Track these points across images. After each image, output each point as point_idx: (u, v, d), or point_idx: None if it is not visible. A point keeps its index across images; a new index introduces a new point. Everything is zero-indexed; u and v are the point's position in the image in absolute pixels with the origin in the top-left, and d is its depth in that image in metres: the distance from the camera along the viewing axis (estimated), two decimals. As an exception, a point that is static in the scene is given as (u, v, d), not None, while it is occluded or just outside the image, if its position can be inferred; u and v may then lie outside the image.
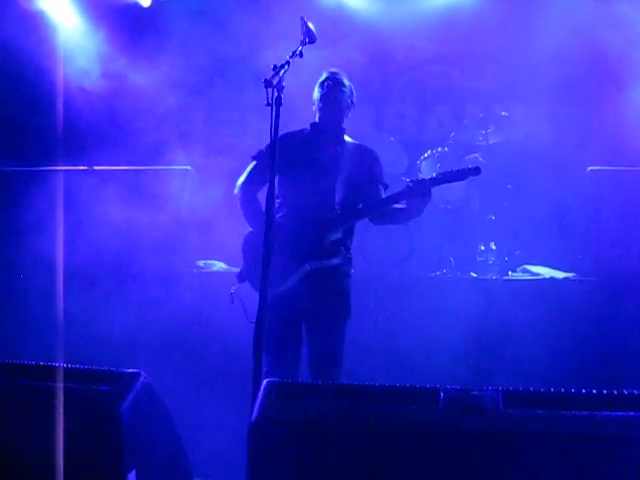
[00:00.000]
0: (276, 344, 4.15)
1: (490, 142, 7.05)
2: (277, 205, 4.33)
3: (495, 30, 7.92)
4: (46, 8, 7.81)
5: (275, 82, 3.55)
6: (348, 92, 4.59)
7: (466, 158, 6.97)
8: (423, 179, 4.36)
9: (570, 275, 6.10)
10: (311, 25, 3.98)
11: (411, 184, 4.29)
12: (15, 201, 6.30)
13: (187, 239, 6.31)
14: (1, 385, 2.97)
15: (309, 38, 3.93)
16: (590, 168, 6.09)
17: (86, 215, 6.16)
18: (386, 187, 4.64)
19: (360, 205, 4.51)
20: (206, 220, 6.08)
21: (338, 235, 4.38)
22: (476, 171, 4.35)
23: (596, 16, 7.31)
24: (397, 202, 4.40)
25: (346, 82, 4.59)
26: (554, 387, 2.54)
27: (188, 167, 6.45)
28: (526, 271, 6.62)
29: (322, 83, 4.54)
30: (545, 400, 2.45)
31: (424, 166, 6.95)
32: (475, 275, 6.34)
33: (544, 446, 2.33)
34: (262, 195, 4.19)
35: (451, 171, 4.40)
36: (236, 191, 4.62)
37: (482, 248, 6.57)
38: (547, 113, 8.29)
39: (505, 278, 6.34)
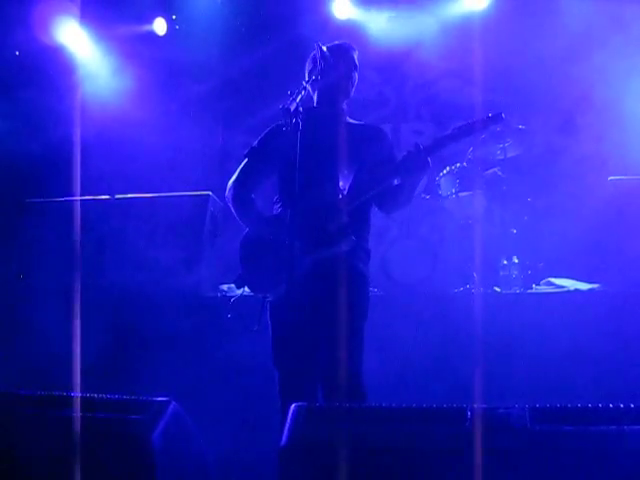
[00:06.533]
0: (287, 357, 3.90)
1: (508, 155, 7.02)
2: (275, 202, 4.18)
3: (508, 42, 7.95)
4: (65, 41, 7.93)
5: (292, 108, 3.57)
6: (347, 67, 4.14)
7: (485, 173, 6.97)
8: (418, 149, 3.86)
9: (595, 286, 6.06)
10: (325, 49, 4.00)
11: (406, 155, 3.86)
12: (37, 231, 6.37)
13: (210, 264, 6.34)
14: (30, 416, 2.99)
15: (324, 63, 3.94)
16: (611, 178, 6.07)
17: (109, 243, 6.22)
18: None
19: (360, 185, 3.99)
20: (229, 244, 6.10)
21: (343, 219, 3.86)
22: (498, 118, 3.86)
23: (607, 23, 7.34)
24: (395, 177, 3.94)
25: (345, 55, 4.15)
26: (581, 402, 2.53)
27: (209, 192, 6.48)
28: (550, 284, 6.59)
29: (315, 61, 4.02)
30: (573, 416, 2.44)
31: (443, 183, 6.96)
32: (499, 290, 6.32)
33: (573, 462, 2.33)
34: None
35: (459, 127, 3.87)
36: (227, 192, 4.25)
37: (505, 262, 6.54)
38: (564, 124, 8.29)
39: (529, 291, 6.32)
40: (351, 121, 4.29)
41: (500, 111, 3.89)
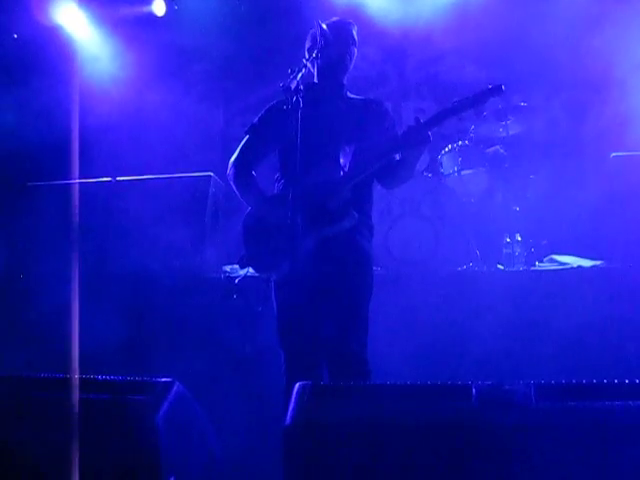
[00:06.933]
0: (292, 336, 3.92)
1: (510, 133, 7.00)
2: (276, 180, 4.20)
3: (510, 19, 7.90)
4: (62, 22, 7.88)
5: (293, 86, 3.55)
6: (346, 43, 4.15)
7: (487, 151, 6.95)
8: (418, 123, 3.82)
9: (598, 263, 6.06)
10: (325, 26, 3.98)
11: (407, 129, 3.83)
12: (37, 215, 6.35)
13: (213, 245, 6.33)
14: (33, 398, 2.99)
15: (324, 40, 3.92)
16: (613, 154, 6.04)
17: (110, 225, 6.20)
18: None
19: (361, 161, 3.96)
20: (231, 225, 6.08)
21: (346, 195, 3.86)
22: (498, 90, 3.80)
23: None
24: (396, 152, 3.94)
25: (344, 31, 4.15)
26: (586, 378, 2.52)
27: (210, 173, 6.46)
28: (553, 261, 6.59)
29: (314, 39, 4.02)
30: (578, 392, 2.43)
31: (445, 161, 6.94)
32: (502, 267, 6.32)
33: (579, 438, 2.32)
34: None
35: (459, 100, 3.84)
36: (228, 170, 4.24)
37: (508, 240, 6.54)
38: (567, 100, 8.25)
39: (532, 269, 6.31)
40: (352, 96, 4.29)
41: (500, 83, 3.86)
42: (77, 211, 5.79)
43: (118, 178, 6.59)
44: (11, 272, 6.29)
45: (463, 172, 6.84)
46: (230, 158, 4.29)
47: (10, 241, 6.38)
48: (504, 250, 6.52)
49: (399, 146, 3.91)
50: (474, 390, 2.49)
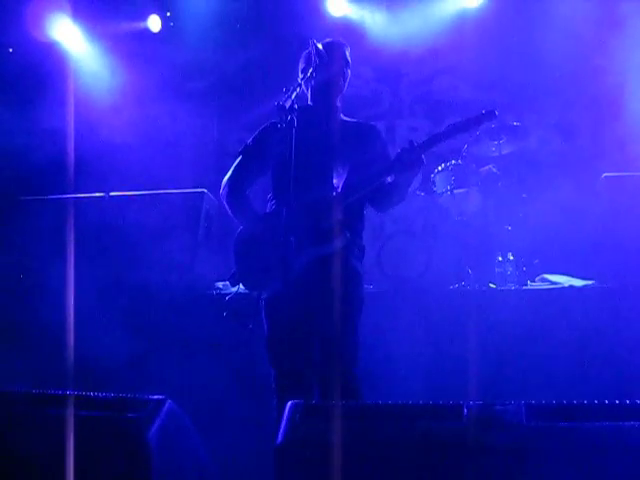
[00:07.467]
0: (283, 355, 3.90)
1: (503, 152, 7.02)
2: (269, 200, 4.21)
3: (504, 40, 7.98)
4: (59, 38, 7.92)
5: (288, 105, 3.57)
6: (340, 64, 4.18)
7: (480, 170, 6.97)
8: (412, 146, 3.86)
9: (589, 283, 6.07)
10: (320, 46, 4.00)
11: (400, 152, 3.85)
12: (30, 229, 6.34)
13: (205, 261, 6.32)
14: (25, 414, 2.98)
15: (319, 59, 3.94)
16: (605, 174, 6.07)
17: (103, 240, 6.20)
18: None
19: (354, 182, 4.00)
20: (224, 241, 6.08)
21: (337, 216, 3.87)
22: (491, 115, 3.88)
23: (602, 20, 7.36)
24: (390, 174, 3.95)
25: (338, 52, 4.17)
26: (577, 398, 2.53)
27: (204, 190, 6.47)
28: (545, 280, 6.59)
29: (309, 59, 4.05)
30: (568, 412, 2.44)
31: (438, 180, 6.96)
32: (494, 286, 6.32)
33: (569, 458, 2.33)
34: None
35: (453, 124, 3.91)
36: (221, 190, 4.26)
37: (500, 259, 6.55)
38: (559, 121, 8.30)
39: (524, 288, 6.31)
40: (345, 119, 4.30)
41: (493, 108, 3.90)
42: (71, 226, 5.80)
43: (111, 193, 6.59)
44: (5, 286, 6.27)
45: (456, 191, 6.85)
46: (224, 176, 4.30)
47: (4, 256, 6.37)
48: (496, 269, 6.53)
49: (393, 168, 3.93)
50: (465, 410, 2.50)
